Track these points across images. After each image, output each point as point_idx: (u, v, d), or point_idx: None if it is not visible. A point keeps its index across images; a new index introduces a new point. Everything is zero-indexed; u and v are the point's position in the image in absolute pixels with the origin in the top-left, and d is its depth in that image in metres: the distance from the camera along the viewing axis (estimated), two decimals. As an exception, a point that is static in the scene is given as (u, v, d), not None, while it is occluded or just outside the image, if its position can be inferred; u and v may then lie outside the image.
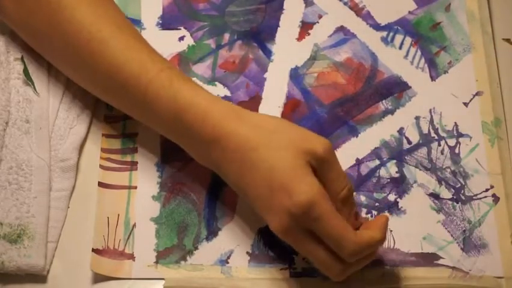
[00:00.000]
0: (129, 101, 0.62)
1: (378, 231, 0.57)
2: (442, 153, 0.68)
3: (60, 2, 0.63)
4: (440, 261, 0.63)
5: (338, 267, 0.56)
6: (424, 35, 0.73)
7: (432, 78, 0.71)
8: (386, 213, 0.65)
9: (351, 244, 0.55)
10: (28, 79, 0.68)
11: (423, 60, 0.72)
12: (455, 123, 0.69)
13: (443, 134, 0.68)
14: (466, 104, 0.70)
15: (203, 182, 0.66)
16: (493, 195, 0.66)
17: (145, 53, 0.62)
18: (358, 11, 0.74)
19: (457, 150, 0.68)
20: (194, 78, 0.70)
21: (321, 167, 0.57)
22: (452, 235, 0.64)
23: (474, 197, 0.66)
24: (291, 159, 0.56)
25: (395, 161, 0.67)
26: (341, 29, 0.73)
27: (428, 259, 0.63)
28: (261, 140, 0.57)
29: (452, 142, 0.68)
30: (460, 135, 0.68)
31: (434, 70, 0.71)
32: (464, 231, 0.64)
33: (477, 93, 0.70)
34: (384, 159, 0.67)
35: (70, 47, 0.63)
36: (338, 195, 0.57)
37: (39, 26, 0.64)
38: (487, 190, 0.66)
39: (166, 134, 0.63)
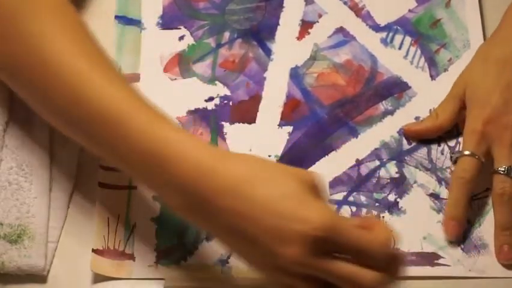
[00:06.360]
0: (100, 135, 0.56)
1: (380, 227, 0.54)
2: (442, 154, 0.68)
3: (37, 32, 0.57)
4: (440, 261, 0.63)
5: (370, 275, 0.52)
6: (424, 34, 0.72)
7: (432, 77, 0.71)
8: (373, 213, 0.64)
9: (379, 244, 0.52)
10: (28, 79, 0.68)
11: (423, 59, 0.72)
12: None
13: (443, 135, 0.68)
14: None
15: (203, 183, 0.66)
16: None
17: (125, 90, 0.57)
18: (358, 11, 0.73)
19: (456, 150, 0.68)
20: (194, 78, 0.70)
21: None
22: (452, 235, 0.65)
23: (474, 197, 0.66)
24: (295, 186, 0.52)
25: (394, 161, 0.67)
26: (341, 30, 0.72)
27: (428, 259, 0.63)
28: (253, 171, 0.53)
29: (452, 142, 0.68)
30: (460, 134, 0.68)
31: (434, 69, 0.71)
32: (464, 231, 0.64)
33: None
34: (384, 160, 0.67)
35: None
36: None
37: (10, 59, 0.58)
38: (487, 190, 0.66)
39: (139, 175, 0.57)
